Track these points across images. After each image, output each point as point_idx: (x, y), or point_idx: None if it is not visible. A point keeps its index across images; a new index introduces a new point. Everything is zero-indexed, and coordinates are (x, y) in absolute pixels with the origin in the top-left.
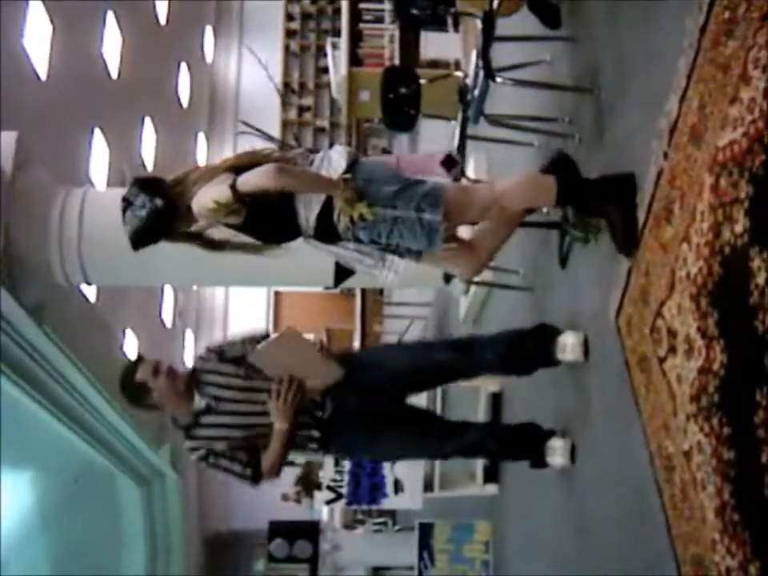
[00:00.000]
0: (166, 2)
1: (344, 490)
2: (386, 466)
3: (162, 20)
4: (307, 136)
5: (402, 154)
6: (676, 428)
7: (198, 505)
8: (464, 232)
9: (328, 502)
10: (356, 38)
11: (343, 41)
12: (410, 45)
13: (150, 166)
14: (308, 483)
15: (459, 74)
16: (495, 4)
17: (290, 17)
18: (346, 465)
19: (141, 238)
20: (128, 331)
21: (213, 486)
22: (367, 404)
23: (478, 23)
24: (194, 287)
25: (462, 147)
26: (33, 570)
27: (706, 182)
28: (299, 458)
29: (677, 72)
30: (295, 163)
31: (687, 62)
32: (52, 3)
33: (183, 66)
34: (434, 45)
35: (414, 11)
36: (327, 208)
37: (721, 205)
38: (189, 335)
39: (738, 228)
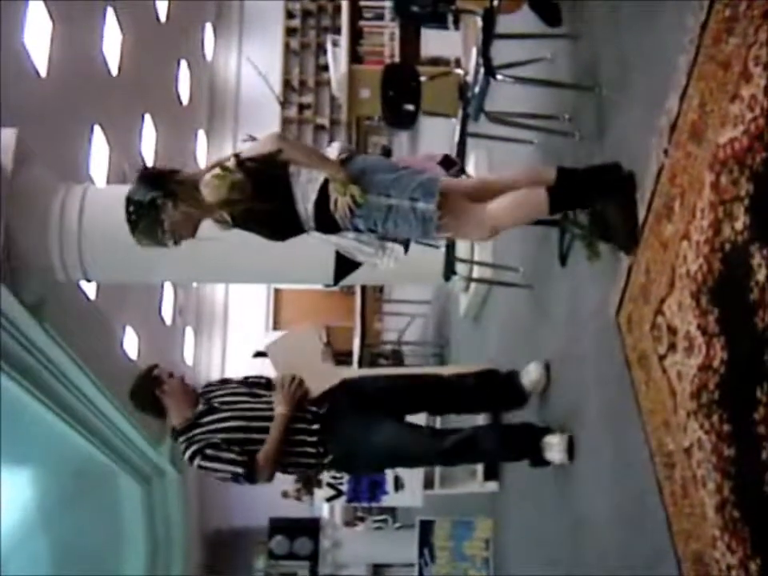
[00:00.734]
0: (166, 0)
1: (344, 488)
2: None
3: (162, 17)
4: (307, 134)
5: (400, 156)
6: (676, 425)
7: (198, 502)
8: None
9: (328, 500)
10: (356, 35)
11: (343, 38)
12: (410, 42)
13: (149, 163)
14: (308, 480)
15: (459, 71)
16: (496, 2)
17: (290, 14)
18: None
19: (145, 234)
20: (128, 328)
21: (213, 484)
22: (364, 414)
23: (479, 20)
24: (194, 284)
25: (462, 144)
26: (33, 568)
27: (706, 180)
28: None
29: (677, 69)
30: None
31: (688, 60)
32: (52, 1)
33: (183, 63)
34: (435, 42)
35: (415, 8)
36: (324, 196)
37: (721, 202)
38: (189, 333)
39: (739, 225)
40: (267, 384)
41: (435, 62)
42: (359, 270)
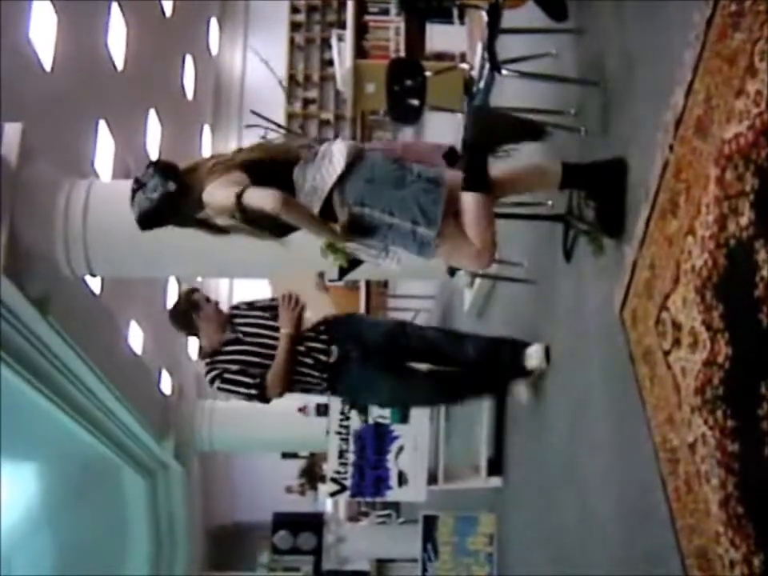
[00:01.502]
0: None
1: (348, 482)
2: (390, 459)
3: (168, 12)
4: (312, 128)
5: (406, 141)
6: (680, 420)
7: (202, 497)
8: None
9: (332, 494)
10: (361, 30)
11: (348, 33)
12: (415, 37)
13: (154, 158)
14: (312, 475)
15: (465, 66)
16: None
17: (295, 9)
18: (350, 457)
19: (149, 219)
20: (132, 323)
21: (217, 479)
22: (370, 353)
23: (484, 15)
24: (199, 279)
25: None
26: (38, 563)
27: (711, 175)
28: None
29: (683, 65)
30: (298, 157)
31: (693, 55)
32: None
33: (188, 58)
34: (440, 37)
35: (420, 3)
36: (328, 205)
37: (726, 197)
38: None
39: (744, 221)
40: None
41: (440, 56)
42: (363, 265)
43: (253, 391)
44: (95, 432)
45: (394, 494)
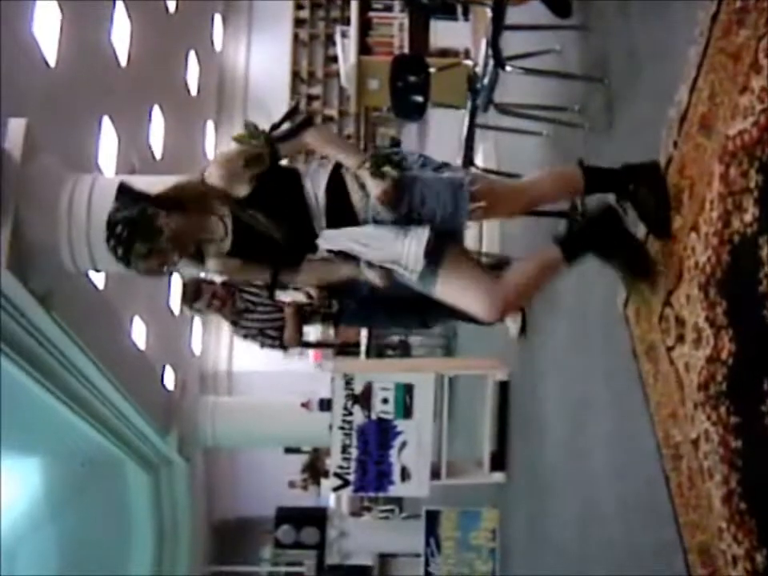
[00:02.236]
0: None
1: (351, 477)
2: (393, 454)
3: (171, 8)
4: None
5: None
6: (684, 416)
7: (205, 492)
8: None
9: (335, 489)
10: (365, 26)
11: (352, 29)
12: (419, 33)
13: (158, 154)
14: (315, 471)
15: (469, 62)
16: None
17: (299, 6)
18: (353, 452)
19: (144, 254)
20: (136, 319)
21: (220, 473)
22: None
23: (488, 12)
24: (202, 274)
25: (470, 136)
26: (41, 556)
27: (715, 172)
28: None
29: (687, 61)
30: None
31: (698, 52)
32: None
33: (192, 54)
34: (444, 33)
35: (424, 0)
36: (335, 179)
37: (730, 194)
38: (197, 323)
39: (748, 217)
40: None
41: (444, 53)
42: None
43: (276, 346)
44: (98, 427)
45: (396, 489)
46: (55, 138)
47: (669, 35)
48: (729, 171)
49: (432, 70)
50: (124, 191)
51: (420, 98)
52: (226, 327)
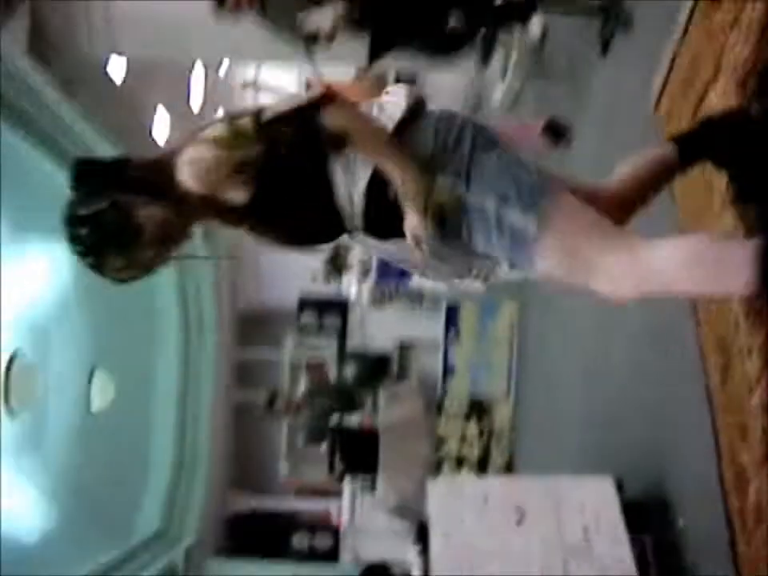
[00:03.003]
0: None
1: (373, 268)
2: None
3: None
4: None
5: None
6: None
7: (230, 284)
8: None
9: (357, 278)
10: None
11: None
12: None
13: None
14: (336, 264)
15: None
16: None
17: None
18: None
19: (124, 254)
20: (159, 108)
21: (245, 266)
22: None
23: None
24: (222, 75)
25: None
26: (73, 336)
27: None
28: None
29: None
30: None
31: None
32: None
33: None
34: None
35: None
36: (379, 179)
37: None
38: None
39: None
40: None
41: None
42: None
43: None
44: None
45: (416, 281)
46: None
47: None
48: None
49: None
50: (83, 174)
51: None
52: None
